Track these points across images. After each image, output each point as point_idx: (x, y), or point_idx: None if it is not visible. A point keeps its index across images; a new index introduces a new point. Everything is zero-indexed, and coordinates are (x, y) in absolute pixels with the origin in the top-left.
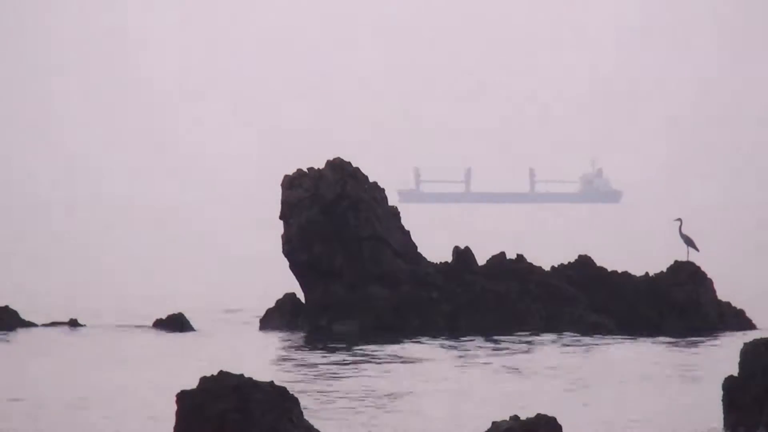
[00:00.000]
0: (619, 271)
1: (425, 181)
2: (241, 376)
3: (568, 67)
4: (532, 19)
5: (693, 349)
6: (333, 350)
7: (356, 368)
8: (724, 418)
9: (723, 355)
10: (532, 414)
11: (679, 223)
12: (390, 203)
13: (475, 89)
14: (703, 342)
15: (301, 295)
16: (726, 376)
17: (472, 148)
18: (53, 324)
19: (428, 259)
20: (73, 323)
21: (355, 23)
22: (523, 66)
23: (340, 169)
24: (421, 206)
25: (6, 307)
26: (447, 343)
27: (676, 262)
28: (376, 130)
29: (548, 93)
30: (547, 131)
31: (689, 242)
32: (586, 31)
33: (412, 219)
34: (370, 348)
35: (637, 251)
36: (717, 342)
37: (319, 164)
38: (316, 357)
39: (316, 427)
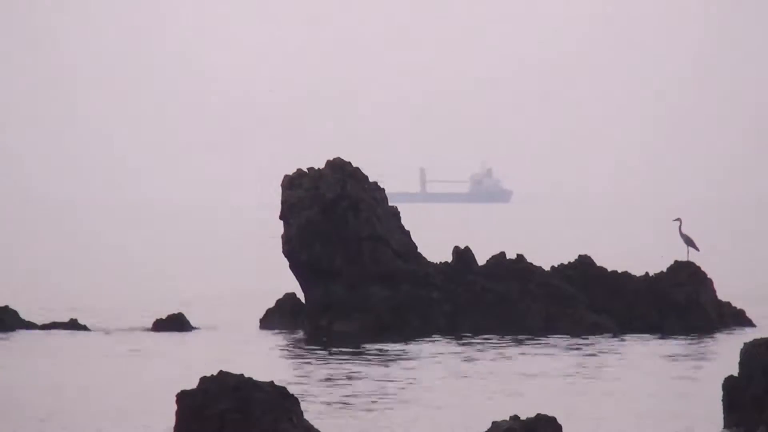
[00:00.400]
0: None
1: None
2: (241, 376)
3: (458, 68)
4: (416, 19)
5: (693, 349)
6: (333, 350)
7: (356, 368)
8: (724, 418)
9: (723, 355)
10: (532, 414)
11: (678, 222)
12: None
13: (363, 89)
14: (703, 342)
15: (301, 295)
16: (726, 376)
17: (423, 148)
18: (53, 324)
19: (428, 259)
20: (73, 323)
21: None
22: (412, 66)
23: (340, 169)
24: None
25: (6, 307)
26: (447, 343)
27: (676, 262)
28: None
29: (439, 92)
30: (437, 131)
31: (689, 242)
32: (476, 30)
33: None
34: (370, 348)
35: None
36: (717, 342)
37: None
38: (316, 357)
39: (316, 427)
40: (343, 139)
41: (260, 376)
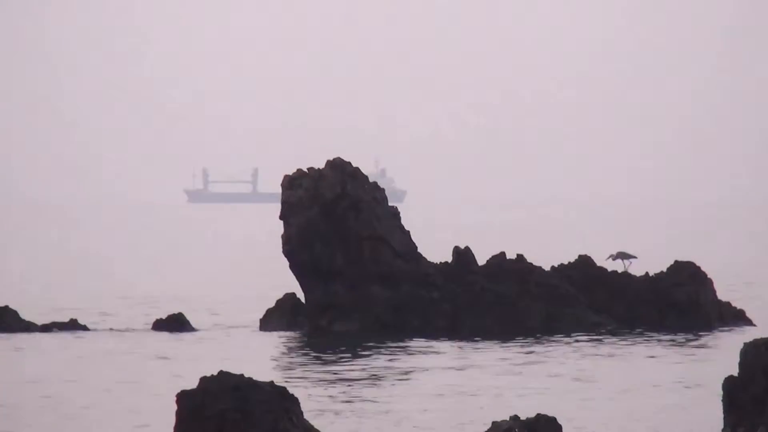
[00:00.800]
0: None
1: (213, 182)
2: (241, 376)
3: (352, 65)
4: (278, 21)
5: (693, 349)
6: (333, 350)
7: (356, 368)
8: (724, 418)
9: (723, 355)
10: (532, 414)
11: (610, 258)
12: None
13: (255, 89)
14: (703, 342)
15: (301, 295)
16: (726, 376)
17: (260, 148)
18: (53, 324)
19: (428, 259)
20: (73, 323)
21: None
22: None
23: (340, 169)
24: (209, 206)
25: (6, 307)
26: (447, 343)
27: (676, 262)
28: (163, 130)
29: (324, 90)
30: (331, 131)
31: (624, 256)
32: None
33: (201, 219)
34: (370, 348)
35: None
36: (717, 342)
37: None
38: (316, 357)
39: (316, 427)
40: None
41: (260, 376)
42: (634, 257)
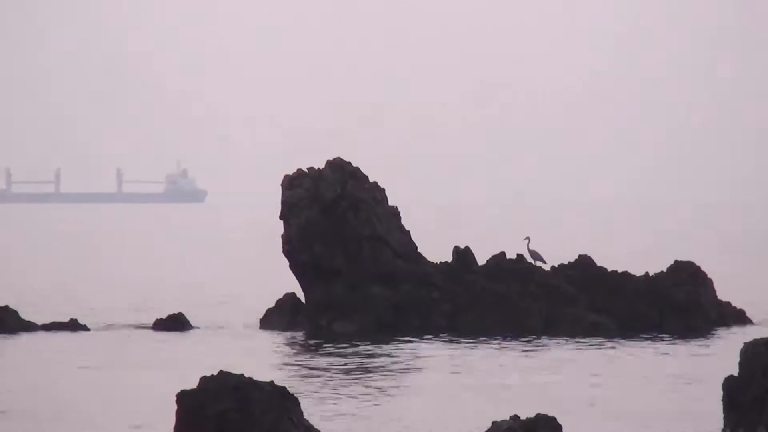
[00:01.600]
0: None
1: (16, 182)
2: (241, 376)
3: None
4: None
5: (693, 349)
6: (333, 350)
7: (356, 368)
8: (724, 418)
9: (723, 355)
10: (532, 414)
11: (527, 241)
12: None
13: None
14: (703, 342)
15: (301, 295)
16: (726, 376)
17: (60, 148)
18: (53, 324)
19: (428, 259)
20: (74, 323)
21: None
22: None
23: (340, 169)
24: (12, 207)
25: (6, 307)
26: (447, 343)
27: (676, 262)
28: None
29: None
30: (133, 131)
31: (536, 257)
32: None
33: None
34: (370, 348)
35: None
36: (717, 342)
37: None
38: (316, 357)
39: (316, 427)
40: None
41: (260, 376)
42: (545, 263)
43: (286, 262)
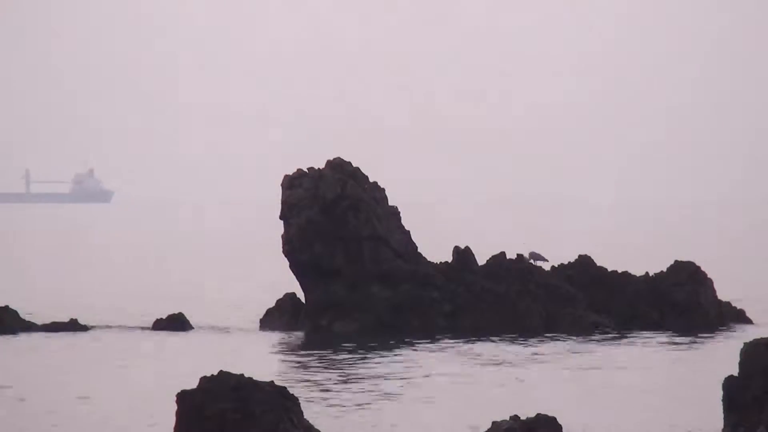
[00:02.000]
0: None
1: None
2: (241, 376)
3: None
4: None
5: (693, 349)
6: (333, 350)
7: (356, 368)
8: (724, 418)
9: (723, 355)
10: (532, 414)
11: (526, 255)
12: None
13: None
14: (703, 342)
15: (301, 295)
16: (726, 376)
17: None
18: (53, 324)
19: (428, 259)
20: (73, 323)
21: None
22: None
23: (340, 168)
24: None
25: (6, 307)
26: (447, 343)
27: (676, 262)
28: None
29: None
30: (42, 132)
31: (536, 257)
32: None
33: None
34: (370, 348)
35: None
36: (717, 342)
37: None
38: (316, 357)
39: (316, 427)
40: None
41: (260, 376)
42: (545, 260)
43: (280, 263)
